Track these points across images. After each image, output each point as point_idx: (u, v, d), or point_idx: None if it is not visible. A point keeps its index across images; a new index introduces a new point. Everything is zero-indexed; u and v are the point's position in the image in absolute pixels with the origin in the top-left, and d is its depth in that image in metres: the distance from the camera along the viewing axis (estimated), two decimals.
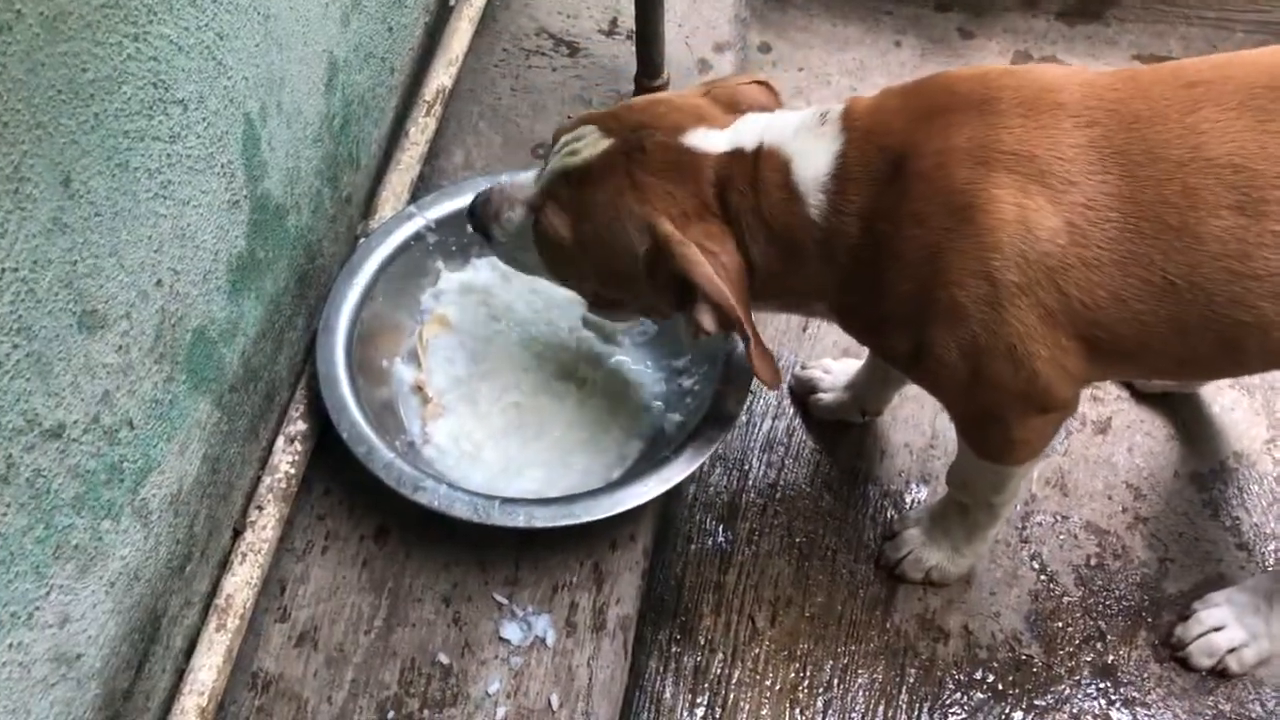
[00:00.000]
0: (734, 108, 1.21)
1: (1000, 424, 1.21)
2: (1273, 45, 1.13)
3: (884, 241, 1.11)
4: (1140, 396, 1.73)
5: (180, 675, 1.22)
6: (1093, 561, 1.58)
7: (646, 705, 1.47)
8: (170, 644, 1.20)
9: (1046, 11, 2.23)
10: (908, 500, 1.64)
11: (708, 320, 1.15)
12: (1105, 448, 1.69)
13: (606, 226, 1.18)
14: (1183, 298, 1.06)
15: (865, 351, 1.61)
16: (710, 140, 1.17)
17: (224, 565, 1.29)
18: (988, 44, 2.23)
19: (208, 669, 1.21)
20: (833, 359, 1.74)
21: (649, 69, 1.78)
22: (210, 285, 1.16)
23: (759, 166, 1.14)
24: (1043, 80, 1.11)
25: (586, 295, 1.32)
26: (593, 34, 1.94)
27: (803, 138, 1.14)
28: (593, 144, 1.19)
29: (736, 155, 1.15)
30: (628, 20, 1.94)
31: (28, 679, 0.93)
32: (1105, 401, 1.73)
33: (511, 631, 1.32)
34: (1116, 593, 1.55)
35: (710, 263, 1.13)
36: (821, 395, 1.69)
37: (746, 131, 1.17)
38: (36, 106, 0.83)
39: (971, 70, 1.15)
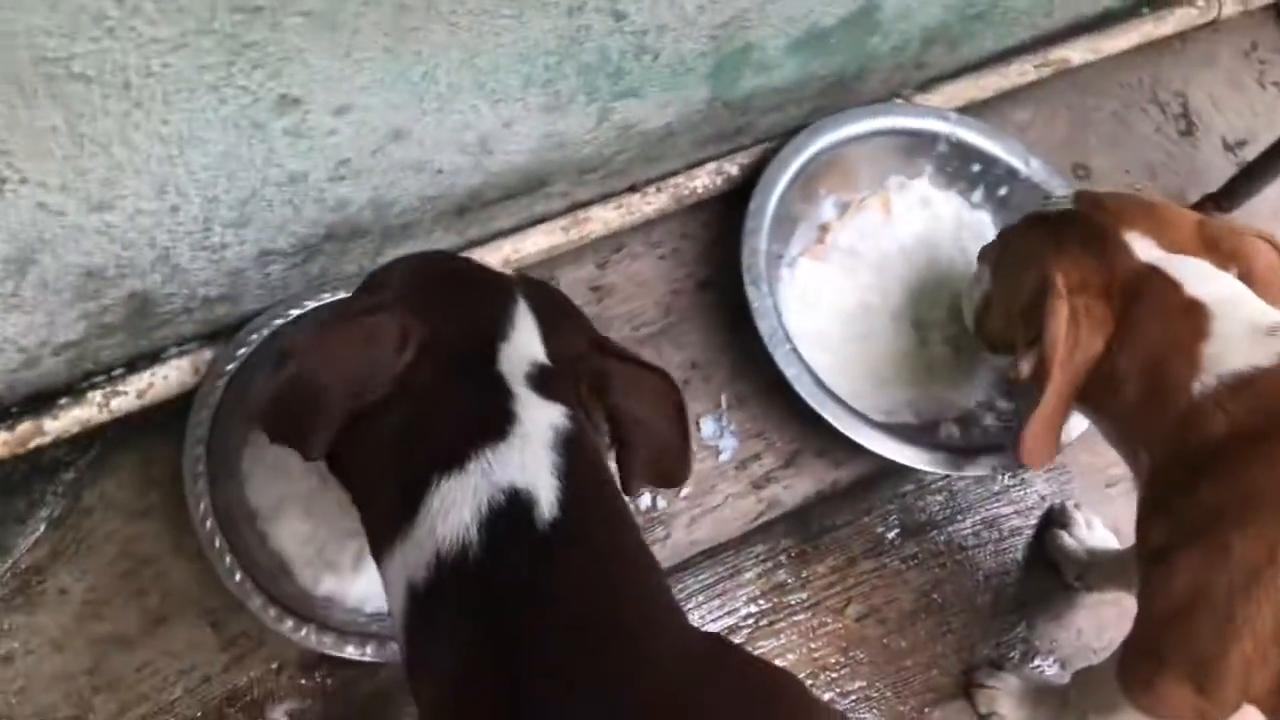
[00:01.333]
0: (1213, 247, 1.24)
1: (1160, 668, 1.23)
2: None
3: (1232, 457, 1.14)
4: None
5: (515, 230, 1.48)
6: None
7: (728, 563, 1.63)
8: (530, 206, 1.45)
9: None
10: (1035, 664, 1.68)
11: (1026, 365, 1.24)
12: None
13: (1018, 262, 1.31)
14: None
15: (1130, 538, 1.62)
16: (1144, 247, 1.22)
17: (604, 199, 1.52)
18: None
19: (535, 243, 1.47)
20: (1105, 525, 1.75)
21: (1227, 201, 1.77)
22: (785, 28, 1.34)
23: (1182, 314, 1.18)
24: None
25: (986, 327, 1.44)
26: (1217, 134, 1.92)
27: (1242, 330, 1.17)
28: (1059, 204, 1.32)
29: (1167, 283, 1.20)
30: (1253, 151, 1.90)
31: (459, 139, 1.20)
32: None
33: (710, 427, 1.51)
34: None
35: (1070, 329, 1.20)
36: (1065, 535, 1.72)
37: (1192, 274, 1.20)
38: None
39: None
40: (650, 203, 1.53)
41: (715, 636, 0.89)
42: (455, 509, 0.83)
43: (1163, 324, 1.19)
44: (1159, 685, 1.25)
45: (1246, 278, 1.26)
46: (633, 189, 1.53)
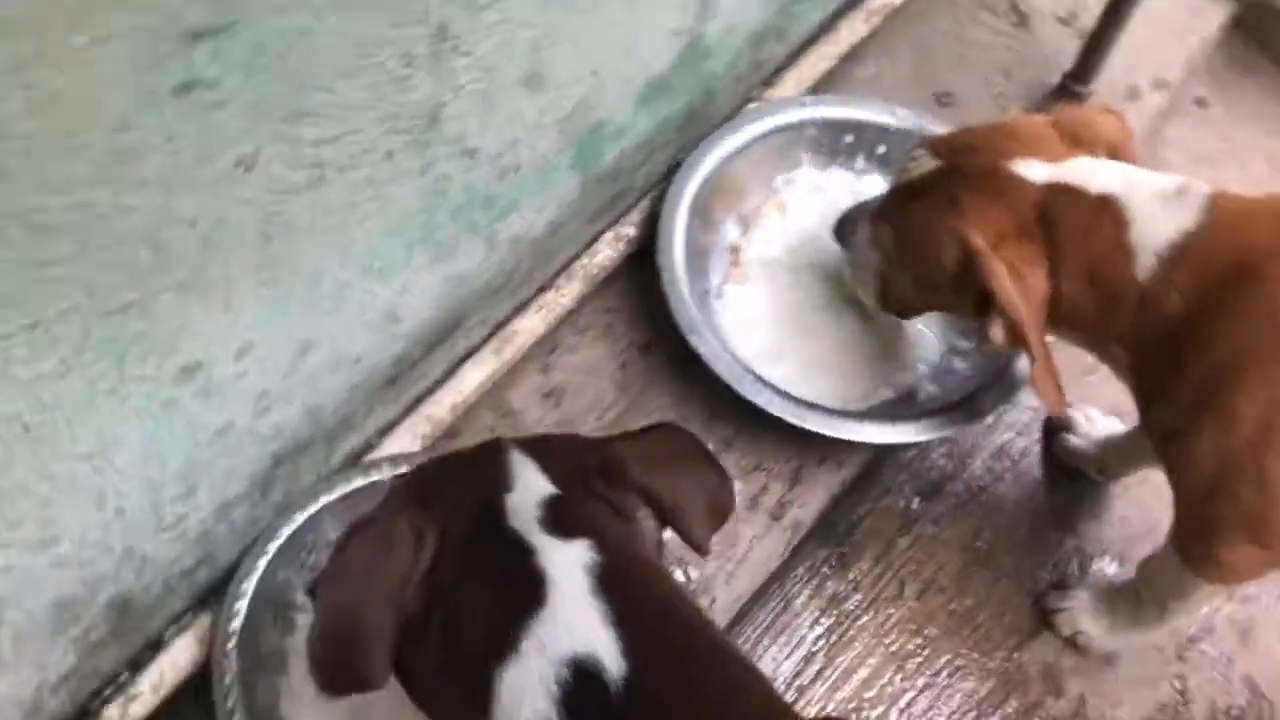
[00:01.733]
0: (1078, 141, 1.26)
1: (1216, 538, 1.25)
2: None
3: (1202, 326, 1.16)
4: None
5: (450, 373, 1.46)
6: (1234, 712, 1.59)
7: (778, 598, 1.63)
8: (455, 346, 1.44)
9: None
10: (1095, 567, 1.69)
11: (998, 333, 1.24)
12: None
13: (923, 238, 1.30)
14: None
15: (1133, 418, 1.64)
16: (1035, 171, 1.23)
17: (522, 308, 1.51)
18: None
19: (473, 378, 1.45)
20: (1101, 412, 1.76)
21: (1082, 74, 1.80)
22: (625, 91, 1.34)
23: (1097, 213, 1.20)
24: None
25: (896, 302, 1.45)
26: (1047, 14, 1.95)
27: (1153, 204, 1.19)
28: (922, 165, 1.31)
29: (1069, 193, 1.21)
30: (1087, 17, 1.94)
31: (363, 317, 1.18)
32: None
33: None
34: None
35: (1015, 283, 1.21)
36: (1071, 437, 1.73)
37: (1085, 173, 1.22)
38: None
39: None
40: (565, 294, 1.52)
41: None
42: (527, 700, 0.80)
43: (1086, 232, 1.21)
44: (1222, 554, 1.26)
45: (1113, 154, 1.29)
46: (543, 289, 1.51)
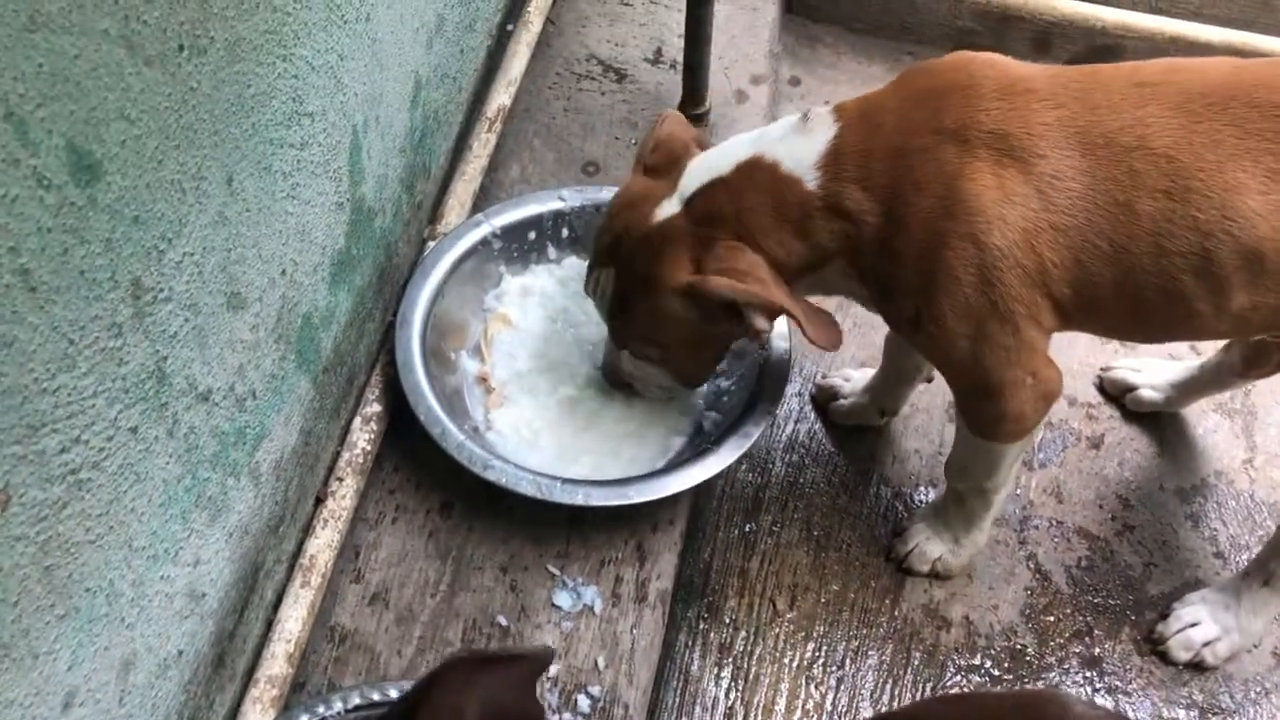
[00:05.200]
0: (673, 159, 1.41)
1: (995, 393, 1.36)
2: (1218, 57, 1.31)
3: (891, 210, 1.29)
4: (1130, 415, 1.89)
5: (269, 624, 1.36)
6: (1083, 563, 1.74)
7: (676, 675, 1.61)
8: (264, 595, 1.34)
9: (1056, 58, 2.41)
10: (916, 501, 1.79)
11: (759, 320, 1.32)
12: (1098, 461, 1.85)
13: (661, 321, 1.40)
14: (1123, 264, 1.26)
15: (879, 361, 1.77)
16: (666, 208, 1.37)
17: (308, 529, 1.43)
18: None
19: (294, 620, 1.35)
20: (854, 366, 1.89)
21: (693, 98, 1.94)
22: (317, 277, 1.31)
23: (746, 177, 1.33)
24: (1017, 69, 1.31)
25: (696, 376, 1.56)
26: (639, 62, 2.10)
27: (788, 140, 1.34)
28: (609, 281, 1.42)
29: (707, 188, 1.35)
30: (671, 51, 2.10)
31: (170, 609, 1.08)
32: (1099, 419, 1.89)
33: (563, 599, 1.46)
34: (1104, 592, 1.71)
35: (729, 275, 1.31)
36: (842, 401, 1.84)
37: (704, 169, 1.37)
38: (215, 116, 0.98)
39: (954, 59, 1.33)
40: (344, 496, 1.45)
41: None
42: None
43: (745, 192, 1.33)
44: (1008, 406, 1.39)
45: (698, 142, 1.47)
46: (320, 501, 1.44)
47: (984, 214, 1.24)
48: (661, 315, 1.39)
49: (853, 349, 1.95)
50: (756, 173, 1.34)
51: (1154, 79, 1.27)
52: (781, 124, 1.37)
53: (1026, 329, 1.30)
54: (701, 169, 1.37)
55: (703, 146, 1.45)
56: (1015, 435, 1.43)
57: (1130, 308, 1.30)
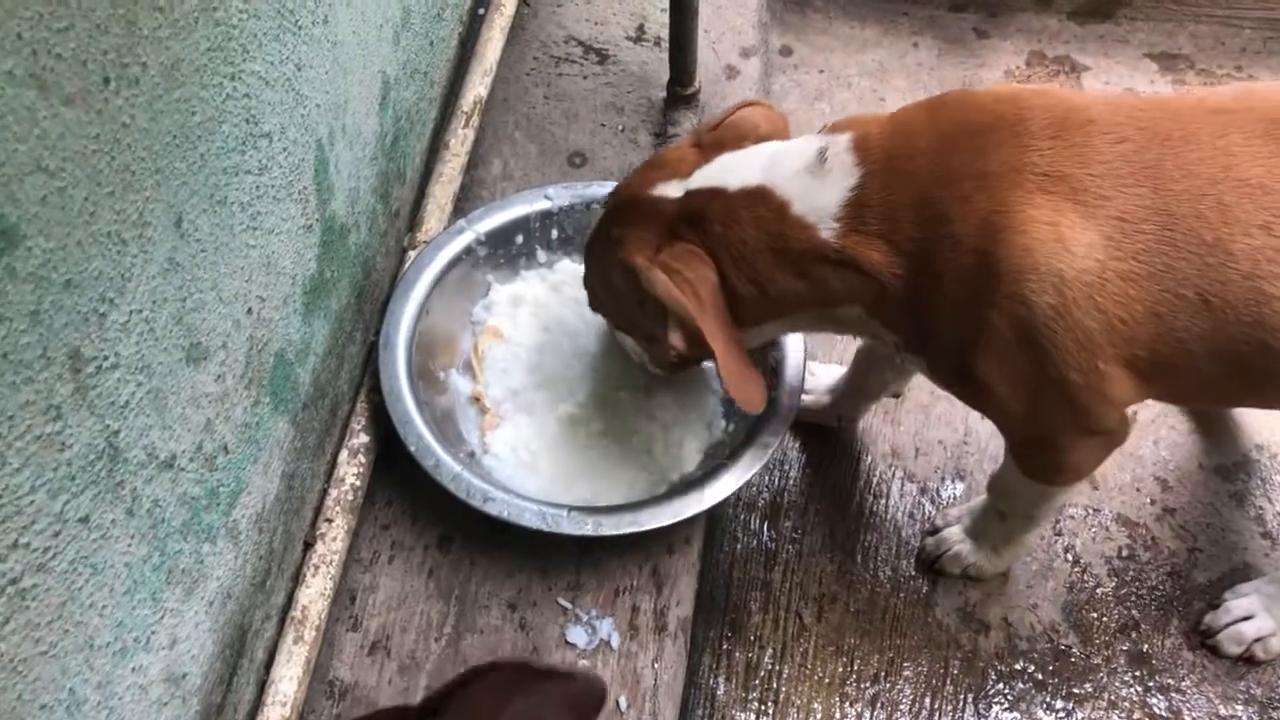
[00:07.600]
0: (721, 145, 1.27)
1: (1052, 448, 1.25)
2: None
3: (923, 266, 1.15)
4: None
5: (263, 687, 1.25)
6: (1124, 553, 1.64)
7: (701, 702, 1.52)
8: (254, 657, 1.24)
9: (1059, 11, 2.28)
10: (944, 496, 1.69)
11: (676, 338, 1.22)
12: (1132, 441, 1.72)
13: (606, 280, 1.32)
14: (1214, 314, 1.09)
15: (850, 359, 1.64)
16: (670, 189, 1.26)
17: (298, 578, 1.32)
18: (1002, 44, 2.27)
19: (288, 680, 1.25)
20: (823, 365, 1.76)
21: (682, 77, 1.81)
22: (289, 309, 1.19)
23: (747, 201, 1.20)
24: (1071, 99, 1.15)
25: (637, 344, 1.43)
26: (620, 40, 1.97)
27: (803, 180, 1.19)
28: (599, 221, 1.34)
29: (709, 194, 1.22)
30: (654, 26, 1.97)
31: (146, 699, 0.97)
32: None
33: (577, 635, 1.36)
34: (1148, 583, 1.61)
35: (673, 279, 1.20)
36: (803, 396, 1.71)
37: (720, 173, 1.24)
38: (156, 153, 0.86)
39: (1000, 90, 1.19)
40: (333, 536, 1.35)
41: None
42: None
43: (737, 220, 1.20)
44: (1067, 458, 1.27)
45: (764, 139, 1.29)
46: (309, 546, 1.33)
47: (1035, 270, 1.08)
48: (607, 278, 1.32)
49: (823, 346, 1.83)
50: (761, 207, 1.20)
51: (1228, 105, 1.12)
52: (795, 154, 1.22)
53: (1086, 399, 1.15)
54: (717, 169, 1.25)
55: (783, 138, 1.30)
56: (1071, 481, 1.33)
57: (1225, 366, 1.13)
